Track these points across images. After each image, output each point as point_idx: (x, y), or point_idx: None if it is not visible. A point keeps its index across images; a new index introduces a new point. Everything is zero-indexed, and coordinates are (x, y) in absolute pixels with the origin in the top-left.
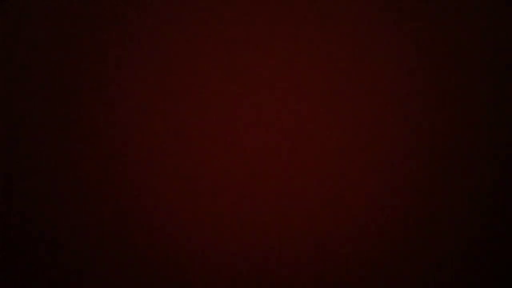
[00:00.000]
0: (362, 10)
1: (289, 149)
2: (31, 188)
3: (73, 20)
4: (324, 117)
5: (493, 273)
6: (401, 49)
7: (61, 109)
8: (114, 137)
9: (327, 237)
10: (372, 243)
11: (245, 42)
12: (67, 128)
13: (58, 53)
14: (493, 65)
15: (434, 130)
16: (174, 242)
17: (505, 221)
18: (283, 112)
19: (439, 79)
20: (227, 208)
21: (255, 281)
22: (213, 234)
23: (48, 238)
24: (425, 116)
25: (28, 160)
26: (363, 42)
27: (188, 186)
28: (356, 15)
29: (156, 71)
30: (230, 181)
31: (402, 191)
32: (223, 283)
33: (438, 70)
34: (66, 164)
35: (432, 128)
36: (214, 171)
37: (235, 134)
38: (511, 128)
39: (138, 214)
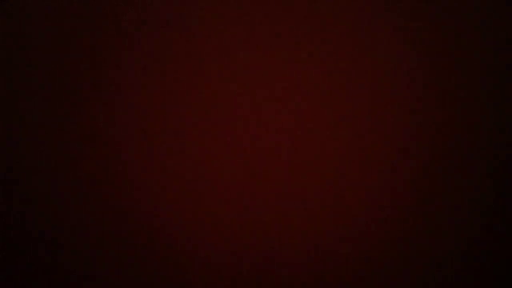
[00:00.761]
0: (362, 10)
1: (289, 149)
2: (31, 188)
3: (73, 20)
4: (324, 117)
5: (493, 273)
6: (401, 49)
7: (61, 109)
8: (114, 137)
9: (327, 237)
10: (372, 243)
11: (245, 42)
12: (67, 128)
13: (58, 53)
14: (493, 65)
15: (434, 130)
16: (174, 242)
17: (505, 221)
18: (283, 112)
19: (439, 79)
20: (227, 208)
21: (255, 281)
22: (213, 234)
23: (48, 238)
24: (425, 116)
25: (28, 160)
26: (363, 42)
27: (188, 186)
28: (356, 15)
29: (157, 71)
30: (230, 181)
31: (402, 191)
32: (223, 283)
33: (438, 70)
34: (66, 164)
35: (432, 128)
36: (214, 171)
37: (235, 134)
38: (511, 128)
39: (138, 214)
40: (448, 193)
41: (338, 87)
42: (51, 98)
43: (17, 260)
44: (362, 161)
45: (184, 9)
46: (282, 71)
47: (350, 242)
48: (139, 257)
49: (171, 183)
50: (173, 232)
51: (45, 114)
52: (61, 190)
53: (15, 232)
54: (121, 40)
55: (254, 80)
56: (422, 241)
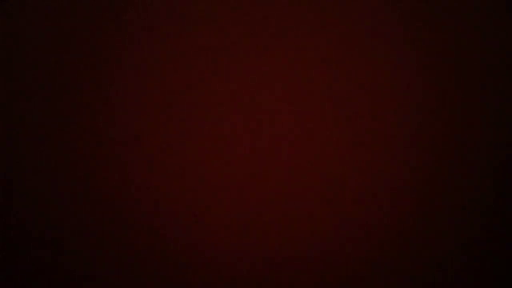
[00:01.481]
0: (362, 10)
1: (290, 149)
2: (31, 188)
3: (73, 20)
4: (324, 117)
5: (493, 273)
6: (402, 49)
7: (61, 109)
8: (114, 137)
9: (327, 238)
10: (373, 243)
11: (245, 42)
12: (67, 128)
13: (58, 53)
14: (494, 65)
15: (434, 130)
16: (174, 242)
17: (505, 221)
18: (284, 112)
19: (440, 79)
20: (227, 208)
21: (255, 281)
22: (213, 234)
23: (47, 238)
24: (425, 116)
25: (28, 160)
26: (363, 42)
27: (188, 186)
28: (356, 15)
29: (157, 71)
30: (230, 181)
31: (403, 191)
32: (223, 283)
33: (438, 70)
34: (65, 164)
35: (432, 128)
36: (214, 171)
37: (235, 134)
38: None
39: (138, 214)
40: (448, 193)
41: (339, 87)
42: (51, 98)
43: (17, 260)
44: (362, 161)
45: (184, 9)
46: (282, 71)
47: (350, 242)
48: (139, 257)
49: (171, 183)
50: (173, 232)
51: (45, 114)
52: (60, 190)
53: (15, 232)
54: (121, 40)
55: (254, 80)
56: (422, 242)
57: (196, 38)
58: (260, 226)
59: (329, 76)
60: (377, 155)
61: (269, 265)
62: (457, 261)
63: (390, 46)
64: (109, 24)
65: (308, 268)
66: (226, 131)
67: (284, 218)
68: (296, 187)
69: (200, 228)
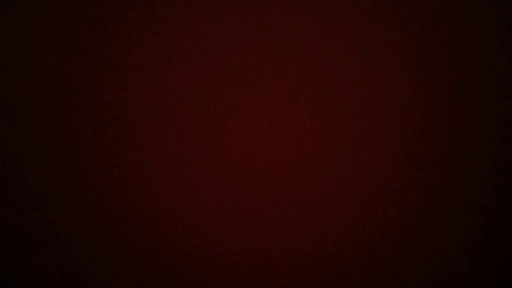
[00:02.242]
0: (363, 9)
1: (290, 149)
2: (31, 189)
3: (72, 20)
4: (324, 117)
5: (493, 274)
6: (401, 49)
7: (60, 109)
8: (113, 137)
9: (327, 238)
10: (373, 244)
11: (245, 42)
12: (67, 128)
13: (57, 52)
14: (494, 65)
15: (435, 130)
16: (174, 242)
17: (505, 222)
18: (284, 113)
19: (440, 80)
20: (227, 208)
21: (255, 281)
22: (213, 234)
23: (47, 238)
24: (426, 116)
25: (28, 160)
26: (363, 42)
27: (188, 187)
28: (356, 15)
29: (157, 71)
30: (229, 181)
31: (403, 191)
32: (223, 283)
33: (438, 70)
34: (65, 164)
35: (433, 128)
36: (214, 171)
37: (235, 134)
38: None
39: (138, 214)
40: (449, 194)
41: (339, 87)
42: (51, 98)
43: (16, 260)
44: (363, 161)
45: (184, 9)
46: (282, 71)
47: (350, 243)
48: (139, 257)
49: (171, 184)
50: (173, 232)
51: (44, 114)
52: (60, 190)
53: (15, 232)
54: (120, 40)
55: (254, 80)
56: (423, 242)
57: (196, 38)
58: (260, 227)
59: (330, 76)
60: (377, 155)
61: (269, 265)
62: (457, 262)
63: (390, 46)
64: (108, 24)
65: (308, 269)
66: (226, 131)
67: (284, 219)
68: (296, 188)
69: (200, 228)
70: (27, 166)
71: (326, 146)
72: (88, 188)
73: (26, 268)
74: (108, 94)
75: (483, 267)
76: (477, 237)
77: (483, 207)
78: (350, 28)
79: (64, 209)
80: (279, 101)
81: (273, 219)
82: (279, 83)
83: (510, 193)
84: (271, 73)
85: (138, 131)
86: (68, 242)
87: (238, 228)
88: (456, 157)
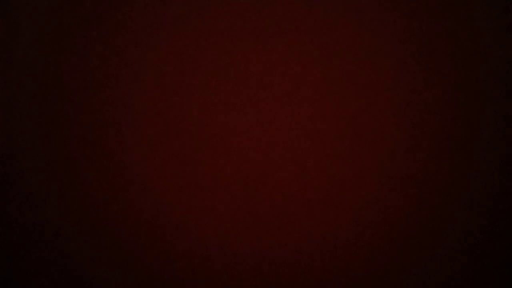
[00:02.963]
0: (363, 9)
1: (290, 150)
2: (30, 189)
3: (72, 19)
4: (324, 118)
5: (494, 274)
6: (402, 49)
7: (60, 109)
8: (113, 137)
9: (327, 238)
10: (373, 244)
11: (245, 42)
12: (67, 128)
13: (56, 52)
14: (494, 65)
15: (435, 131)
16: (174, 242)
17: (506, 222)
18: (284, 112)
19: (440, 80)
20: (227, 209)
21: (255, 281)
22: (213, 234)
23: (47, 238)
24: (427, 116)
25: (27, 160)
26: (364, 43)
27: (188, 187)
28: (357, 15)
29: (157, 71)
30: (229, 181)
31: (403, 191)
32: (223, 284)
33: (439, 70)
34: (63, 164)
35: (433, 128)
36: (214, 172)
37: (235, 134)
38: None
39: (137, 214)
40: (449, 194)
41: (339, 87)
42: (50, 98)
43: (16, 260)
44: (363, 161)
45: (183, 9)
46: (283, 71)
47: (350, 243)
48: (139, 257)
49: (171, 183)
50: (172, 233)
51: (44, 115)
52: (59, 190)
53: (15, 232)
54: (120, 40)
55: (254, 80)
56: (423, 242)
57: (196, 38)
58: (261, 227)
59: (330, 76)
60: (378, 155)
61: (269, 265)
62: (458, 263)
63: (391, 46)
64: (109, 24)
65: (309, 269)
66: (226, 132)
67: (285, 219)
68: (296, 188)
69: (200, 229)
70: (27, 166)
71: (327, 146)
72: (87, 188)
73: (26, 268)
74: (108, 93)
75: (483, 267)
76: (477, 237)
77: (484, 208)
78: (352, 27)
79: (64, 209)
80: (279, 101)
81: (273, 219)
82: (280, 82)
83: (510, 193)
84: (272, 73)
85: (138, 131)
86: (68, 242)
87: (238, 228)
88: (457, 157)
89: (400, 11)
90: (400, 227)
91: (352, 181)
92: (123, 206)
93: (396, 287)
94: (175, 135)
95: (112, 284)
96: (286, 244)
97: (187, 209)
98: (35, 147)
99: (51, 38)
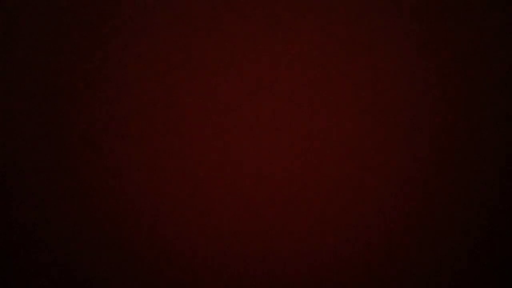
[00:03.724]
0: (363, 9)
1: (289, 150)
2: (30, 189)
3: (71, 19)
4: (325, 118)
5: (493, 274)
6: (403, 49)
7: (59, 109)
8: (112, 137)
9: (328, 238)
10: (374, 244)
11: (245, 42)
12: (65, 128)
13: (56, 52)
14: (494, 65)
15: (435, 131)
16: (173, 243)
17: (506, 222)
18: (283, 113)
19: (441, 80)
20: (227, 209)
21: (255, 281)
22: (212, 235)
23: (46, 239)
24: (426, 117)
25: (27, 160)
26: (364, 43)
27: (187, 188)
28: (357, 15)
29: (157, 71)
30: (229, 182)
31: (404, 192)
32: (223, 284)
33: (439, 71)
34: (64, 164)
35: (433, 128)
36: (213, 172)
37: (234, 135)
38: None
39: (137, 214)
40: (449, 194)
41: (339, 87)
42: (50, 98)
43: (16, 260)
44: (363, 162)
45: (183, 9)
46: (283, 71)
47: (351, 243)
48: (139, 257)
49: (170, 184)
50: (172, 233)
51: (44, 115)
52: (59, 190)
53: (15, 232)
54: (119, 40)
55: (254, 81)
56: (424, 243)
57: (196, 37)
58: (260, 227)
59: (330, 76)
60: (377, 155)
61: (269, 265)
62: (458, 262)
63: (391, 46)
64: (108, 24)
65: (309, 269)
66: (226, 132)
67: (284, 219)
68: (296, 188)
69: (200, 228)
70: (27, 166)
71: (327, 146)
72: (87, 187)
73: (26, 268)
74: (108, 93)
75: (483, 267)
76: (477, 237)
77: (484, 208)
78: (352, 28)
79: (64, 209)
80: (279, 101)
81: (273, 219)
82: (280, 82)
83: (510, 193)
84: (272, 73)
85: (138, 131)
86: (68, 242)
87: (238, 228)
88: (457, 157)
89: (400, 11)
90: (400, 227)
91: (352, 181)
92: (123, 206)
93: (396, 287)
94: (175, 135)
95: (112, 284)
96: (286, 244)
97: (187, 209)
98: (35, 147)
99: (51, 38)
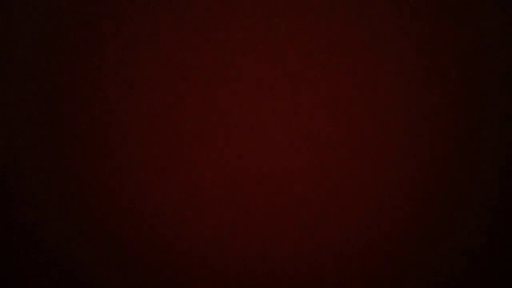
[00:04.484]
0: (363, 9)
1: (289, 150)
2: (29, 189)
3: (71, 19)
4: (325, 118)
5: (493, 274)
6: (403, 49)
7: (59, 109)
8: (112, 137)
9: (328, 238)
10: (374, 244)
11: (245, 42)
12: (65, 127)
13: (56, 52)
14: (494, 65)
15: (436, 131)
16: (173, 243)
17: (506, 222)
18: (283, 113)
19: (441, 80)
20: (227, 210)
21: (255, 281)
22: (212, 235)
23: (46, 239)
24: (426, 117)
25: (27, 160)
26: (364, 43)
27: (187, 188)
28: (357, 15)
29: (156, 71)
30: (229, 182)
31: (404, 192)
32: (223, 284)
33: (439, 71)
34: (64, 164)
35: (434, 128)
36: (213, 172)
37: (234, 135)
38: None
39: (137, 214)
40: (450, 194)
41: (339, 87)
42: (50, 98)
43: (16, 260)
44: (363, 162)
45: (183, 9)
46: (283, 71)
47: (350, 243)
48: (138, 257)
49: (170, 183)
50: (172, 232)
51: (43, 115)
52: (59, 190)
53: (15, 232)
54: (119, 40)
55: (253, 81)
56: (424, 242)
57: (196, 37)
58: (260, 227)
59: (330, 76)
60: (378, 155)
61: (268, 265)
62: (458, 262)
63: (391, 46)
64: (108, 23)
65: (308, 269)
66: (226, 132)
67: (284, 219)
68: (296, 188)
69: (199, 228)
70: (27, 167)
71: (327, 146)
72: (87, 187)
73: (26, 268)
74: (107, 93)
75: (483, 267)
76: (477, 238)
77: (484, 208)
78: (352, 28)
79: (63, 209)
80: (279, 101)
81: (273, 219)
82: (280, 82)
83: (510, 193)
84: (272, 73)
85: (137, 131)
86: (68, 242)
87: (238, 228)
88: (458, 157)
89: (400, 11)
90: (400, 227)
91: (352, 181)
92: (123, 206)
93: (396, 287)
94: (175, 135)
95: (112, 284)
96: (286, 244)
97: (187, 209)
98: (35, 147)
99: (50, 38)
